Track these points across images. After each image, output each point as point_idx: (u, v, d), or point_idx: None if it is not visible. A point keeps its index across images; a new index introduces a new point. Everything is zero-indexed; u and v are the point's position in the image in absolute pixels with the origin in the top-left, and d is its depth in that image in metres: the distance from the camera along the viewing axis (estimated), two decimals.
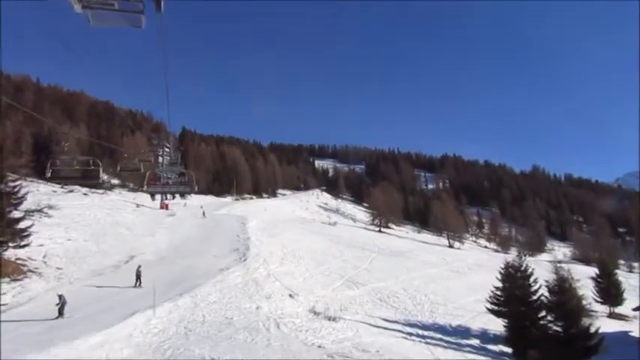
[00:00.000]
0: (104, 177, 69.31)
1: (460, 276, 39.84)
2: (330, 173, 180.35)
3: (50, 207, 37.79)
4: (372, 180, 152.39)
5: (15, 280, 20.23)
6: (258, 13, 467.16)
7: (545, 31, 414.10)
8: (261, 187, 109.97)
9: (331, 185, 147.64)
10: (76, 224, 35.61)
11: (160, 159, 62.62)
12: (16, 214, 22.50)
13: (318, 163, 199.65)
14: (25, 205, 36.43)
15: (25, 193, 23.46)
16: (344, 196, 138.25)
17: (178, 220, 46.12)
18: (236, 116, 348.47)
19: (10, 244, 21.49)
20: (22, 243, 21.92)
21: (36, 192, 54.63)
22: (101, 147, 66.22)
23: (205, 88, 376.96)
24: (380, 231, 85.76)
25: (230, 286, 21.92)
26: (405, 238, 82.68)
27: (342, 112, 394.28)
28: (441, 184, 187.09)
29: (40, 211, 36.14)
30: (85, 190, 61.16)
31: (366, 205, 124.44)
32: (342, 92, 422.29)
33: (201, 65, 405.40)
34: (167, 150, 72.98)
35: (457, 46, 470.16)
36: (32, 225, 22.67)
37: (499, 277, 22.89)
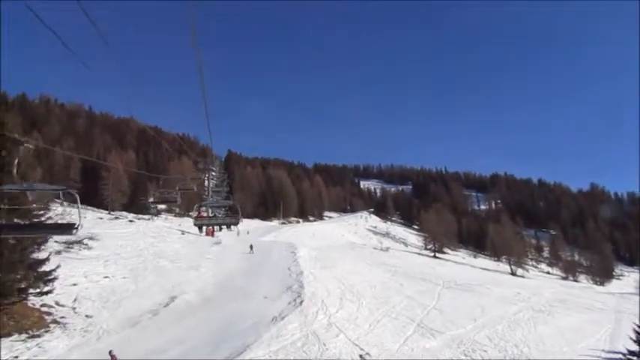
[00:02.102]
0: (151, 202, 67.67)
1: (545, 317, 33.64)
2: (377, 194, 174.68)
3: (91, 238, 35.18)
4: (420, 201, 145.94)
5: (33, 336, 16.66)
6: (297, 32, 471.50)
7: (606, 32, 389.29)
8: (308, 210, 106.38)
9: (379, 207, 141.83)
10: (117, 257, 32.53)
11: (206, 182, 60.10)
12: (41, 253, 19.16)
13: (364, 184, 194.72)
14: (64, 237, 33.98)
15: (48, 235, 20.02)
16: (393, 218, 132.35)
17: (224, 249, 42.58)
18: (280, 137, 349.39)
19: (32, 291, 18.11)
20: (45, 289, 18.49)
21: (82, 219, 53.06)
22: (148, 170, 64.71)
23: (249, 109, 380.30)
24: (435, 256, 79.90)
25: (287, 346, 17.50)
26: (462, 264, 76.32)
27: (385, 132, 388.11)
28: (493, 204, 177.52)
29: (79, 242, 33.58)
30: (131, 216, 59.34)
31: (416, 227, 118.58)
32: (384, 111, 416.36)
33: (243, 86, 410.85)
34: (213, 174, 70.81)
35: (502, 57, 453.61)
36: (58, 267, 19.19)
37: (634, 337, 17.37)
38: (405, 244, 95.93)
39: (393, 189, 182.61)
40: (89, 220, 52.38)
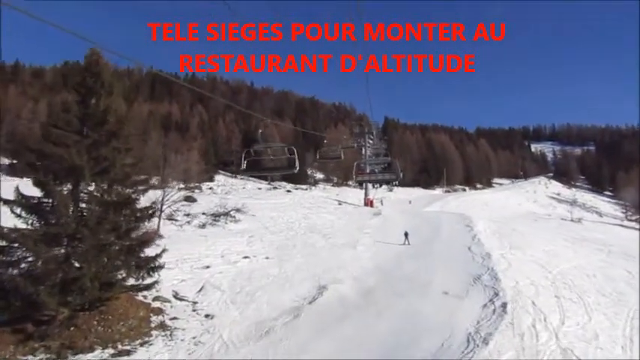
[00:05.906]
0: (309, 171, 64.07)
1: None
2: (555, 157, 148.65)
3: (239, 210, 30.92)
4: (609, 162, 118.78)
5: (120, 353, 11.24)
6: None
7: None
8: (474, 177, 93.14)
9: (559, 171, 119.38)
10: (264, 231, 27.52)
11: (363, 150, 53.93)
12: (143, 234, 13.85)
13: (535, 147, 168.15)
14: (210, 207, 30.17)
15: (154, 206, 14.70)
16: (577, 184, 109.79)
17: (385, 221, 35.13)
18: (437, 103, 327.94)
19: (129, 283, 12.87)
20: (146, 282, 13.12)
21: (241, 190, 51.35)
22: (305, 140, 60.91)
23: (402, 76, 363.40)
24: None
25: None
26: None
27: (556, 89, 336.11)
28: None
29: (226, 214, 29.47)
30: (289, 186, 56.06)
31: (609, 193, 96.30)
32: (560, 66, 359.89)
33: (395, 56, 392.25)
34: (370, 141, 64.42)
35: None
36: (164, 251, 13.62)
37: None
38: (600, 214, 77.30)
39: (577, 150, 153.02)
40: (248, 189, 50.26)
